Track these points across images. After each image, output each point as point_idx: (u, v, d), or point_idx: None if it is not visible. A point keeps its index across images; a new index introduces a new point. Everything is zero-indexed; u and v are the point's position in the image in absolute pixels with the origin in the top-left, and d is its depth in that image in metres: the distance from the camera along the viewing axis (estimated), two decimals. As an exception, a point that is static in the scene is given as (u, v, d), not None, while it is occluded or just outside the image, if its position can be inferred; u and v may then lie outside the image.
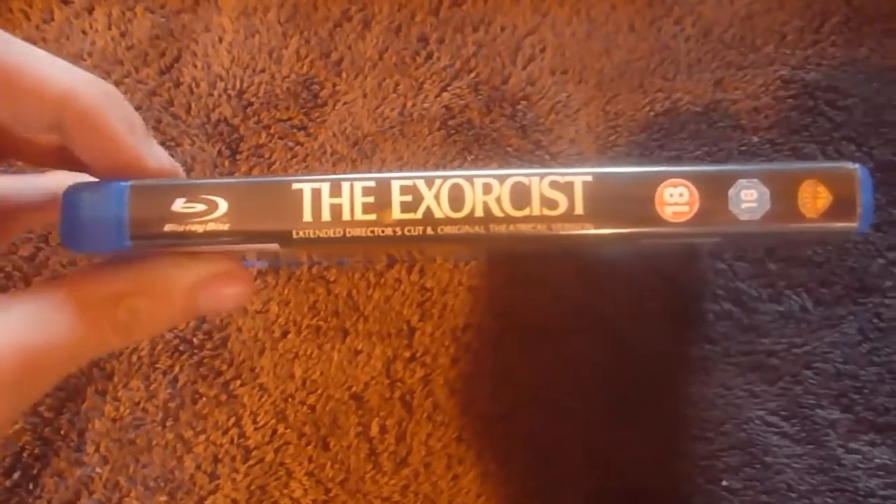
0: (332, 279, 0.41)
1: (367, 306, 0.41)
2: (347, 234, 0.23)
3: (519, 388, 0.39)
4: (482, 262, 0.41)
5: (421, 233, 0.23)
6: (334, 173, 0.24)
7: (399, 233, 0.23)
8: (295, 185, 0.24)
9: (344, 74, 0.44)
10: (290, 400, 0.40)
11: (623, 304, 0.40)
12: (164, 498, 0.39)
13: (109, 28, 0.45)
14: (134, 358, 0.41)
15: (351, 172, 0.24)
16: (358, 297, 0.41)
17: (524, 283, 0.40)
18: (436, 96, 0.43)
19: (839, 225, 0.23)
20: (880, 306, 0.39)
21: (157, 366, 0.41)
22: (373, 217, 0.23)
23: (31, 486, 0.39)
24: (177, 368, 0.40)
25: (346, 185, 0.23)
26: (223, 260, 0.24)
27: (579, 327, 0.40)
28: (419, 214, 0.23)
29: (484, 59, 0.44)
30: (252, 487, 0.39)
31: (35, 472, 0.39)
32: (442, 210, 0.23)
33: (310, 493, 0.39)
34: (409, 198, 0.23)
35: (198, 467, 0.39)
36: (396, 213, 0.23)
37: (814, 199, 0.23)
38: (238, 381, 0.40)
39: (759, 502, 0.38)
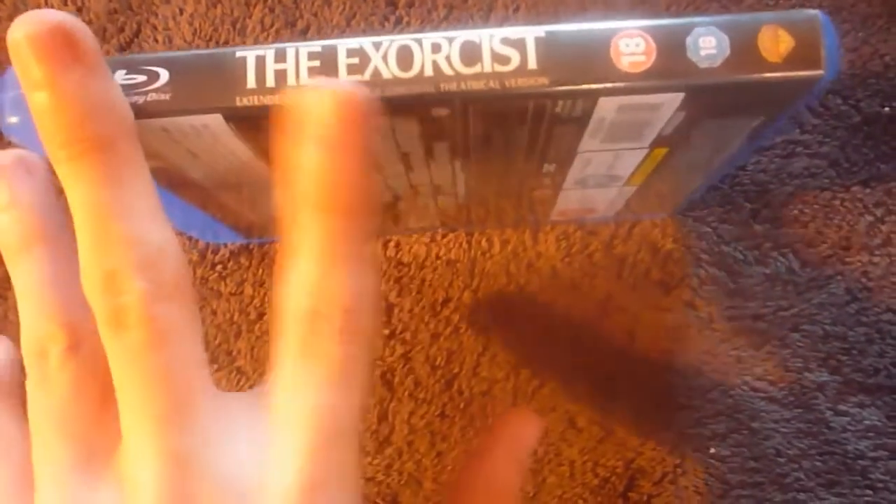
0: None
1: (343, 284, 0.40)
2: None
3: (500, 363, 0.39)
4: (460, 230, 0.40)
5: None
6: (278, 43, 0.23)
7: None
8: (238, 53, 0.23)
9: (311, 43, 0.42)
10: (268, 382, 0.39)
11: (604, 271, 0.39)
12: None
13: (66, 3, 0.43)
14: (108, 345, 0.40)
15: (296, 41, 0.23)
16: (334, 274, 0.40)
17: (501, 255, 0.39)
18: (407, 63, 0.42)
19: (805, 73, 0.22)
20: (868, 265, 0.38)
21: (132, 352, 0.40)
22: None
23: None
24: (152, 354, 0.40)
25: (290, 51, 0.23)
26: None
27: (559, 297, 0.39)
28: (366, 76, 0.22)
29: (456, 21, 0.42)
30: (234, 472, 0.38)
31: (13, 464, 0.39)
32: (390, 70, 0.22)
33: (293, 476, 0.38)
34: (355, 60, 0.22)
35: (178, 454, 0.39)
36: (343, 76, 0.22)
37: (775, 43, 0.22)
38: (215, 366, 0.39)
39: (747, 468, 0.37)
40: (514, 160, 0.30)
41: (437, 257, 0.39)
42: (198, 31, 0.43)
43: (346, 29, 0.42)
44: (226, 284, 0.40)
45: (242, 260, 0.40)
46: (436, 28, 0.42)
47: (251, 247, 0.40)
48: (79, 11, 0.43)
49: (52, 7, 0.43)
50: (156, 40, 0.43)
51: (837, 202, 0.39)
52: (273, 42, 0.42)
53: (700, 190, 0.35)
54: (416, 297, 0.39)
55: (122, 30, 0.43)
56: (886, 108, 0.39)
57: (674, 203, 0.37)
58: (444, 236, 0.40)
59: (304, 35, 0.42)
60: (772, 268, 0.39)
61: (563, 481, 0.38)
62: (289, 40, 0.42)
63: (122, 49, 0.43)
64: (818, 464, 0.37)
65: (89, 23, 0.43)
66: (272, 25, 0.42)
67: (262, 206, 0.33)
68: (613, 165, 0.31)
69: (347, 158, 0.20)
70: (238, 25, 0.43)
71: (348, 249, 0.21)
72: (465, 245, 0.40)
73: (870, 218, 0.39)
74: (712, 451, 0.37)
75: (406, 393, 0.39)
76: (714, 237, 0.39)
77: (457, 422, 0.38)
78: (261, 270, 0.40)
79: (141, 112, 0.22)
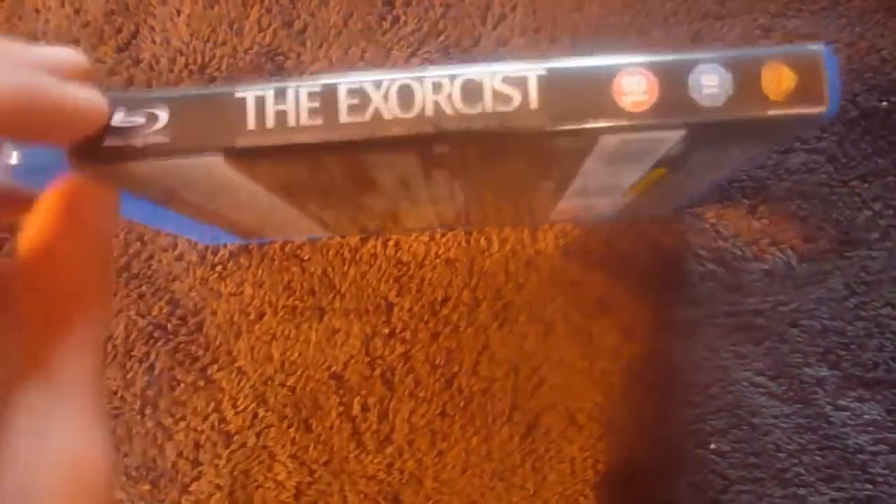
0: (306, 257, 0.40)
1: (343, 283, 0.40)
2: (293, 141, 0.22)
3: (500, 361, 0.39)
4: (459, 230, 0.40)
5: (370, 135, 0.22)
6: (277, 80, 0.23)
7: (347, 137, 0.22)
8: (238, 94, 0.22)
9: (308, 43, 0.42)
10: (269, 382, 0.39)
11: (603, 269, 0.39)
12: (146, 487, 0.39)
13: (63, 5, 0.43)
14: (108, 347, 0.40)
15: (295, 79, 0.22)
16: (333, 274, 0.40)
17: (500, 253, 0.39)
18: (405, 61, 0.42)
19: (807, 110, 0.22)
20: (867, 259, 0.38)
21: (133, 354, 0.40)
22: (319, 122, 0.22)
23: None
24: (153, 355, 0.40)
25: (290, 92, 0.22)
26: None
27: (558, 295, 0.39)
28: (367, 117, 0.22)
29: (452, 20, 0.42)
30: (235, 472, 0.38)
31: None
32: (390, 111, 0.22)
33: (294, 476, 0.38)
34: (356, 100, 0.22)
35: (179, 455, 0.39)
36: (343, 117, 0.22)
37: (778, 81, 0.22)
38: (216, 366, 0.39)
39: (747, 464, 0.37)
40: (514, 181, 0.30)
41: (437, 256, 0.40)
42: (195, 32, 0.43)
43: (342, 29, 0.42)
44: (226, 285, 0.40)
45: (242, 260, 0.40)
46: (434, 26, 0.42)
47: (250, 247, 0.40)
48: (76, 14, 0.43)
49: (50, 9, 0.43)
50: (153, 41, 0.43)
51: (835, 197, 0.39)
52: (269, 47, 0.42)
53: (698, 195, 0.35)
54: (415, 296, 0.39)
55: (119, 31, 0.43)
56: (884, 103, 0.39)
57: (673, 203, 0.37)
58: (443, 235, 0.40)
59: (301, 35, 0.42)
60: (770, 263, 0.39)
61: (563, 478, 0.38)
62: (286, 42, 0.42)
63: (119, 50, 0.43)
64: (818, 458, 0.37)
65: (87, 24, 0.43)
66: (269, 26, 0.42)
67: (260, 216, 0.33)
68: (613, 180, 0.30)
69: None
70: (235, 26, 0.43)
71: None
72: (463, 244, 0.40)
73: (868, 212, 0.39)
74: (712, 446, 0.37)
75: (406, 392, 0.39)
76: (712, 233, 0.39)
77: (457, 420, 0.38)
78: (261, 271, 0.40)
79: (140, 154, 0.22)
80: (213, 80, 0.42)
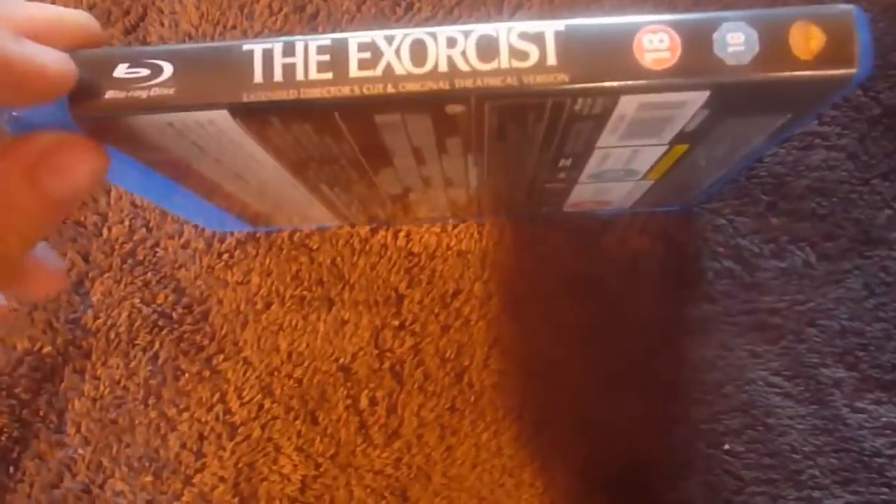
0: (315, 247, 0.39)
1: (352, 274, 0.39)
2: (302, 96, 0.22)
3: (511, 356, 0.38)
4: (470, 220, 0.39)
5: (381, 91, 0.22)
6: (286, 35, 0.22)
7: (357, 92, 0.21)
8: (245, 46, 0.22)
9: (320, 29, 0.41)
10: (275, 374, 0.38)
11: (617, 264, 0.38)
12: (149, 478, 0.38)
13: (69, -15, 0.43)
14: (112, 335, 0.39)
15: (305, 35, 0.22)
16: (343, 264, 0.39)
17: (514, 246, 0.39)
18: (418, 50, 0.41)
19: (837, 71, 0.21)
20: (887, 259, 0.38)
21: (137, 342, 0.39)
22: (329, 76, 0.21)
23: (11, 470, 0.38)
24: (157, 344, 0.39)
25: (299, 45, 0.22)
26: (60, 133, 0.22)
27: (572, 291, 0.38)
28: (378, 71, 0.22)
29: (468, 8, 0.41)
30: (240, 465, 0.38)
31: (15, 455, 0.38)
32: (403, 66, 0.21)
33: (300, 469, 0.38)
34: (367, 55, 0.22)
35: (183, 446, 0.38)
36: (354, 71, 0.21)
37: (806, 39, 0.21)
38: (221, 356, 0.39)
39: (761, 465, 0.36)
40: (530, 155, 0.29)
41: (448, 248, 0.39)
42: (205, 14, 0.42)
43: (356, 14, 0.41)
44: (232, 273, 0.39)
45: (249, 249, 0.39)
46: (448, 14, 0.41)
47: (258, 235, 0.39)
48: (83, -6, 0.42)
49: (56, -11, 0.43)
50: (161, 24, 0.42)
51: (856, 195, 0.38)
52: (280, 31, 0.41)
53: (718, 184, 0.34)
54: (426, 288, 0.39)
55: (127, 13, 0.42)
56: (906, 100, 0.39)
57: (690, 196, 0.37)
58: (455, 227, 0.39)
59: (313, 20, 0.41)
60: (788, 261, 0.38)
61: (573, 476, 0.37)
62: (297, 27, 0.41)
63: (127, 32, 0.42)
64: (834, 461, 0.36)
65: (94, 5, 0.42)
66: (280, 10, 0.42)
67: (269, 196, 0.33)
68: (631, 161, 0.30)
69: None
70: (246, 10, 0.42)
71: None
72: (476, 236, 0.39)
73: (889, 211, 0.38)
74: (726, 446, 0.37)
75: (416, 385, 0.38)
76: (730, 230, 0.38)
77: (467, 415, 0.38)
78: (268, 260, 0.39)
79: (144, 106, 0.21)
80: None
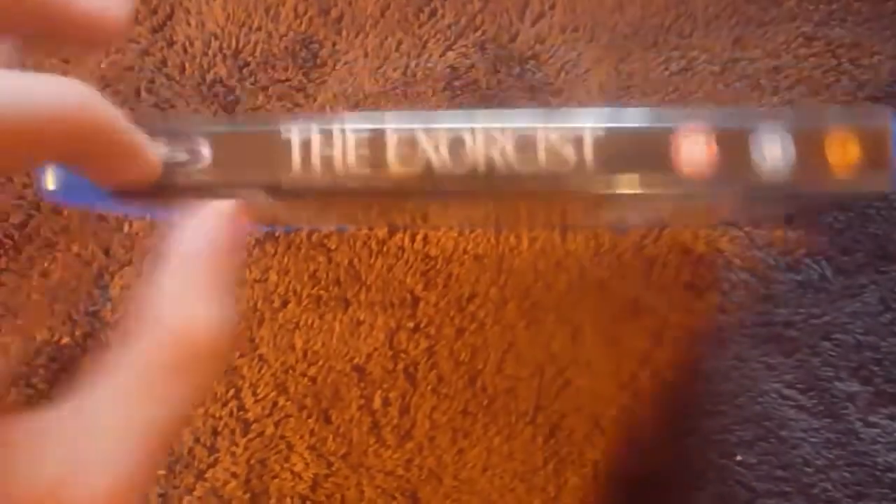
0: (332, 247, 0.40)
1: (369, 275, 0.39)
2: (339, 185, 0.22)
3: (525, 361, 0.38)
4: (488, 228, 0.39)
5: (419, 187, 0.22)
6: (325, 118, 0.22)
7: (396, 187, 0.22)
8: (284, 134, 0.22)
9: (344, 32, 0.42)
10: (290, 371, 0.39)
11: (634, 273, 0.39)
12: (161, 471, 0.38)
13: (99, -16, 0.43)
14: (129, 328, 0.39)
15: (343, 119, 0.22)
16: (360, 265, 0.39)
17: (530, 252, 0.39)
18: (440, 55, 0.41)
19: (870, 186, 0.21)
20: (903, 275, 0.38)
21: (154, 336, 0.39)
22: (367, 171, 0.22)
23: (26, 460, 0.38)
24: (173, 339, 0.39)
25: (337, 134, 0.22)
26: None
27: (587, 298, 0.38)
28: (418, 168, 0.22)
29: (490, 15, 0.42)
30: (252, 461, 0.38)
31: (30, 445, 0.38)
32: (441, 162, 0.22)
33: (311, 467, 0.38)
34: (405, 150, 0.22)
35: (196, 440, 0.38)
36: (393, 166, 0.22)
37: (843, 151, 0.21)
38: (237, 353, 0.39)
39: (774, 477, 0.36)
40: (552, 213, 0.29)
41: (465, 252, 0.39)
42: (231, 16, 0.42)
43: (379, 20, 0.42)
44: (250, 271, 0.40)
45: (268, 247, 0.40)
46: (471, 20, 0.41)
47: (277, 235, 0.40)
48: (112, -8, 0.43)
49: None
50: (188, 23, 0.42)
51: (873, 210, 0.38)
52: (304, 34, 0.42)
53: (741, 217, 0.35)
54: (442, 291, 0.39)
55: (155, 12, 0.42)
56: (926, 117, 0.39)
57: (710, 221, 0.37)
58: (472, 231, 0.39)
59: (337, 23, 0.42)
60: (804, 274, 0.38)
61: (585, 483, 0.37)
62: (322, 29, 0.42)
63: (154, 31, 0.42)
64: (846, 475, 0.36)
65: (122, 4, 0.43)
66: (306, 13, 0.42)
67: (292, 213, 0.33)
68: (654, 208, 0.30)
69: None
70: (271, 12, 0.42)
71: None
72: (493, 241, 0.39)
73: (906, 228, 0.38)
74: (739, 458, 0.37)
75: (429, 388, 0.38)
76: (746, 241, 0.38)
77: (479, 419, 0.38)
78: (286, 259, 0.39)
79: (184, 192, 0.22)
80: (246, 64, 0.42)
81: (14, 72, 0.17)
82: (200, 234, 0.20)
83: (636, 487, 0.37)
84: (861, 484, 0.36)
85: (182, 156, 0.22)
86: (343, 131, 0.22)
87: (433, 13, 0.42)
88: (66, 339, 0.39)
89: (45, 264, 0.40)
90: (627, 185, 0.21)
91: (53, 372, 0.39)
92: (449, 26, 0.42)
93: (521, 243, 0.39)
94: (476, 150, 0.22)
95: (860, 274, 0.38)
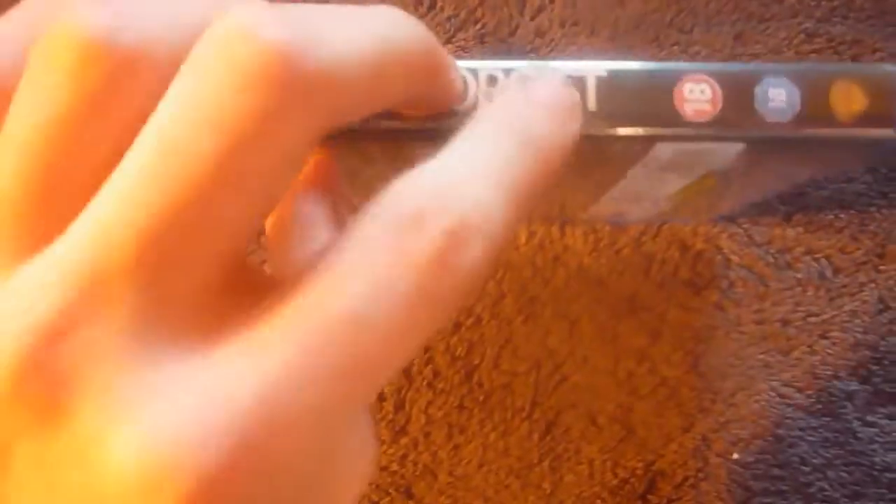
0: (328, 240, 0.39)
1: (365, 269, 0.39)
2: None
3: (522, 356, 0.38)
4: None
5: (419, 126, 0.21)
6: None
7: (396, 127, 0.21)
8: None
9: (342, 24, 0.42)
10: (284, 365, 0.38)
11: (632, 269, 0.38)
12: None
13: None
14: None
15: None
16: (356, 259, 0.39)
17: (528, 246, 0.39)
18: (439, 48, 0.41)
19: (876, 133, 0.21)
20: (903, 274, 0.38)
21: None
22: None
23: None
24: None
25: None
26: None
27: (585, 293, 0.38)
28: None
29: (490, 8, 0.41)
30: (245, 455, 0.38)
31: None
32: None
33: (305, 462, 0.37)
34: None
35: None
36: None
37: (847, 100, 0.21)
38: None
39: (770, 476, 0.36)
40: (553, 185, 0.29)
41: (462, 246, 0.39)
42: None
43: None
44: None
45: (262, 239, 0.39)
46: (471, 14, 0.41)
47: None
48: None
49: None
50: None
51: (874, 209, 0.38)
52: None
53: (743, 209, 0.34)
54: (438, 286, 0.38)
55: None
56: (927, 116, 0.39)
57: (710, 215, 0.37)
58: (469, 225, 0.39)
59: (336, 15, 0.41)
60: (803, 272, 0.38)
61: (581, 480, 0.37)
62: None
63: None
64: (844, 474, 0.36)
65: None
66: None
67: None
68: (657, 188, 0.30)
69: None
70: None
71: None
72: (490, 235, 0.39)
73: (906, 226, 0.38)
74: (735, 456, 0.36)
75: (424, 382, 0.38)
76: (745, 238, 0.38)
77: (475, 414, 0.37)
78: (282, 251, 0.39)
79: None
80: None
81: (346, 8, 0.17)
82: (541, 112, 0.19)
83: (632, 485, 0.37)
84: (858, 483, 0.36)
85: None
86: None
87: (433, 6, 0.41)
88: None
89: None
90: (629, 126, 0.21)
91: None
92: (448, 19, 0.41)
93: (519, 237, 0.39)
94: (477, 90, 0.21)
95: (859, 272, 0.38)
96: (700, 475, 0.36)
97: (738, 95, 0.21)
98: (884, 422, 0.36)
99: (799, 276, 0.38)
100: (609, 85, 0.21)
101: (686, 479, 0.36)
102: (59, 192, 0.15)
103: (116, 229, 0.14)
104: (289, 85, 0.14)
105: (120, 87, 0.15)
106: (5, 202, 0.15)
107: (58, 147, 0.15)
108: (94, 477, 0.14)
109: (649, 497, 0.37)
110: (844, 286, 0.38)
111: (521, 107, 0.19)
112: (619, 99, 0.21)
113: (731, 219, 0.38)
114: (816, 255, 0.38)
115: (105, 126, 0.15)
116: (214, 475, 0.14)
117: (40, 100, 0.15)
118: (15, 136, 0.15)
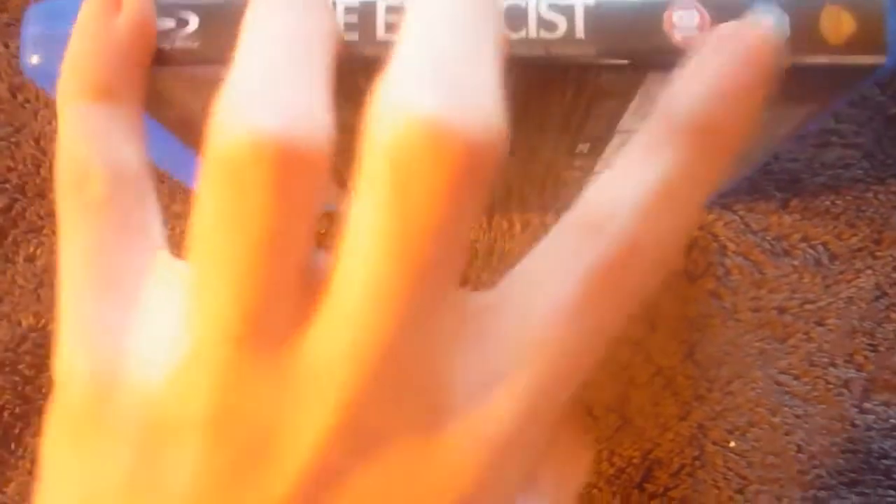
0: (322, 230, 0.39)
1: (359, 260, 0.39)
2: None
3: (518, 346, 0.38)
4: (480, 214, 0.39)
5: None
6: None
7: (383, 54, 0.22)
8: None
9: None
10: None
11: (628, 257, 0.38)
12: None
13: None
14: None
15: None
16: (350, 250, 0.39)
17: (524, 237, 0.38)
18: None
19: (867, 58, 0.21)
20: (899, 260, 0.37)
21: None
22: (355, 38, 0.21)
23: (12, 446, 0.38)
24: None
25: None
26: None
27: (582, 282, 0.38)
28: None
29: None
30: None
31: (17, 431, 0.38)
32: None
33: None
34: (394, 18, 0.21)
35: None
36: (381, 34, 0.21)
37: (837, 25, 0.21)
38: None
39: (767, 464, 0.36)
40: (548, 137, 0.28)
41: (457, 236, 0.38)
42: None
43: None
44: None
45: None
46: None
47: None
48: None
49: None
50: None
51: (870, 195, 0.38)
52: None
53: (734, 180, 0.34)
54: (433, 276, 0.38)
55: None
56: (924, 100, 0.38)
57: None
58: (463, 215, 0.39)
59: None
60: (800, 259, 0.38)
61: (577, 470, 0.37)
62: None
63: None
64: (840, 462, 0.36)
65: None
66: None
67: None
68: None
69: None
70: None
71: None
72: (484, 225, 0.39)
73: (903, 212, 0.38)
74: (732, 444, 0.36)
75: (420, 373, 0.38)
76: (741, 226, 0.38)
77: (471, 405, 0.37)
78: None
79: (167, 59, 0.21)
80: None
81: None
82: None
83: (628, 474, 0.37)
84: (855, 471, 0.36)
85: (169, 23, 0.21)
86: (334, 3, 0.22)
87: None
88: (52, 325, 0.39)
89: (31, 249, 0.39)
90: (618, 52, 0.21)
91: (40, 358, 0.39)
92: None
93: (514, 228, 0.38)
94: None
95: (856, 259, 0.37)
96: (697, 463, 0.36)
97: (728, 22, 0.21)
98: (880, 409, 0.36)
99: (795, 263, 0.38)
100: (597, 13, 0.21)
101: (683, 467, 0.36)
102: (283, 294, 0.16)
103: None
104: (477, 168, 0.15)
105: (314, 188, 0.16)
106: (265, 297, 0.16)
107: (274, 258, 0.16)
108: None
109: (646, 486, 0.36)
110: (841, 273, 0.37)
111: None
112: (607, 27, 0.21)
113: (723, 196, 0.38)
114: (813, 242, 0.38)
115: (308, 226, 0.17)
116: None
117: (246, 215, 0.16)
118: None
